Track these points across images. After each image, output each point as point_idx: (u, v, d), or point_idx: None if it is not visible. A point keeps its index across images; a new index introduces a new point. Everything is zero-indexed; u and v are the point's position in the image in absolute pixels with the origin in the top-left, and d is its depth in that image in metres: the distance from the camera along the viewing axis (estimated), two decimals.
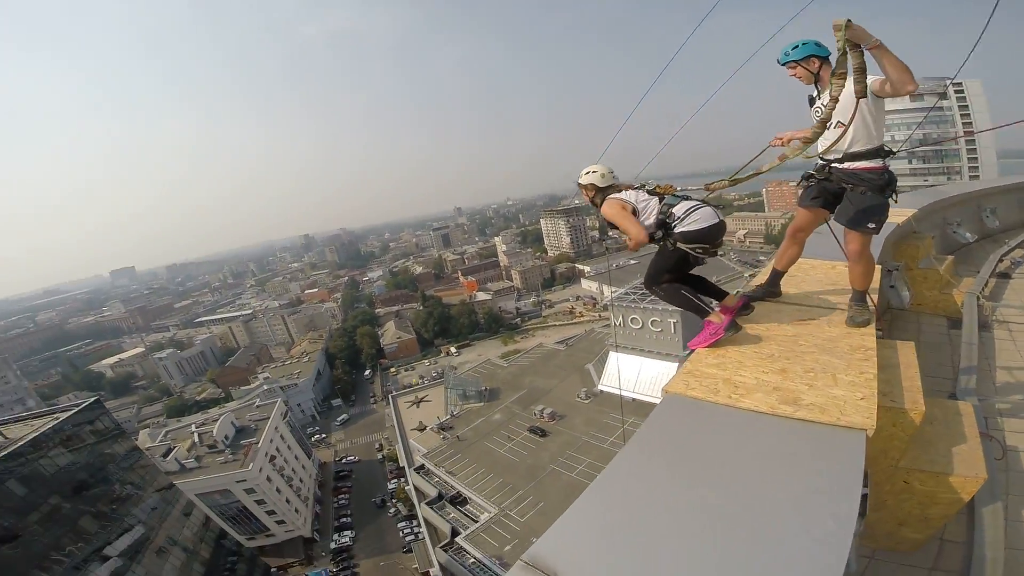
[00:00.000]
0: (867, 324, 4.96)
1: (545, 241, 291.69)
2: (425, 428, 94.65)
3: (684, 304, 4.97)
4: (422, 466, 79.81)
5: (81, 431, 54.07)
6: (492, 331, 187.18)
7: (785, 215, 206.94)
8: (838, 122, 4.58)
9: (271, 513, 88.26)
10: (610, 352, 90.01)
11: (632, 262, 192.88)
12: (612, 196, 4.93)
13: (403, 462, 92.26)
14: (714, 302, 5.18)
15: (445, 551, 62.34)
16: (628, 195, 4.90)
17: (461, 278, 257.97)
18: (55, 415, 53.73)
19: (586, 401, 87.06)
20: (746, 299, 5.19)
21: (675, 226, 4.61)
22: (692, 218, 4.58)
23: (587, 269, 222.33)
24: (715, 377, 4.32)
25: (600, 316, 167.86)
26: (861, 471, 3.17)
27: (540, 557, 2.73)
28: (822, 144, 4.93)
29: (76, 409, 54.15)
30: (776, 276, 5.95)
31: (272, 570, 76.23)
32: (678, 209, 4.63)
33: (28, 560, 43.00)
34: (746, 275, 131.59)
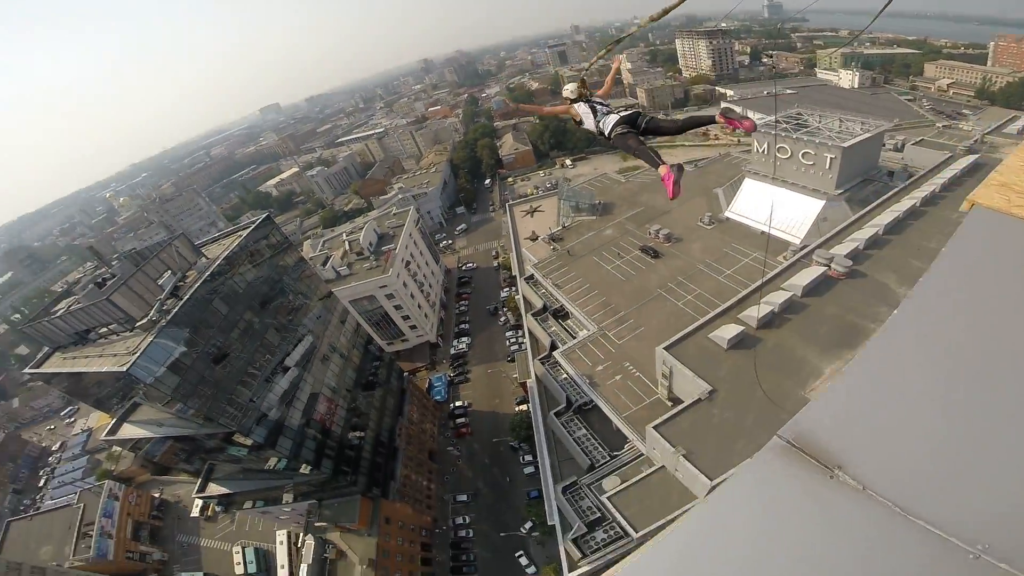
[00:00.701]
0: None
1: (680, 62, 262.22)
2: (537, 238, 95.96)
3: (645, 156, 8.64)
4: (531, 276, 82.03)
5: (260, 246, 60.79)
6: (610, 146, 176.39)
7: (1014, 73, 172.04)
8: None
9: (406, 318, 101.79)
10: (746, 179, 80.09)
11: (788, 91, 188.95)
12: (574, 105, 9.68)
13: (515, 271, 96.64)
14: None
15: (542, 363, 66.51)
16: (580, 109, 9.57)
17: None
18: (238, 232, 60.45)
19: (708, 227, 79.92)
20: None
21: (602, 127, 9.11)
22: (606, 121, 9.08)
23: (730, 93, 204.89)
24: None
25: (739, 141, 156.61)
26: None
27: (809, 436, 2.26)
28: None
29: (254, 226, 60.39)
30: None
31: (405, 374, 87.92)
32: (601, 120, 9.20)
33: (233, 377, 51.10)
34: (938, 125, 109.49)
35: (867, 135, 68.31)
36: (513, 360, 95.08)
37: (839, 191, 67.91)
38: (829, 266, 53.24)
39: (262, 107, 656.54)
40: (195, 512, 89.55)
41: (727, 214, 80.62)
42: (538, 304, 76.44)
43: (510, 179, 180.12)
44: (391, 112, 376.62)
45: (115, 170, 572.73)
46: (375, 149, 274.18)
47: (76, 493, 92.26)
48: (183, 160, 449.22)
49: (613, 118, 9.09)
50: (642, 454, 49.23)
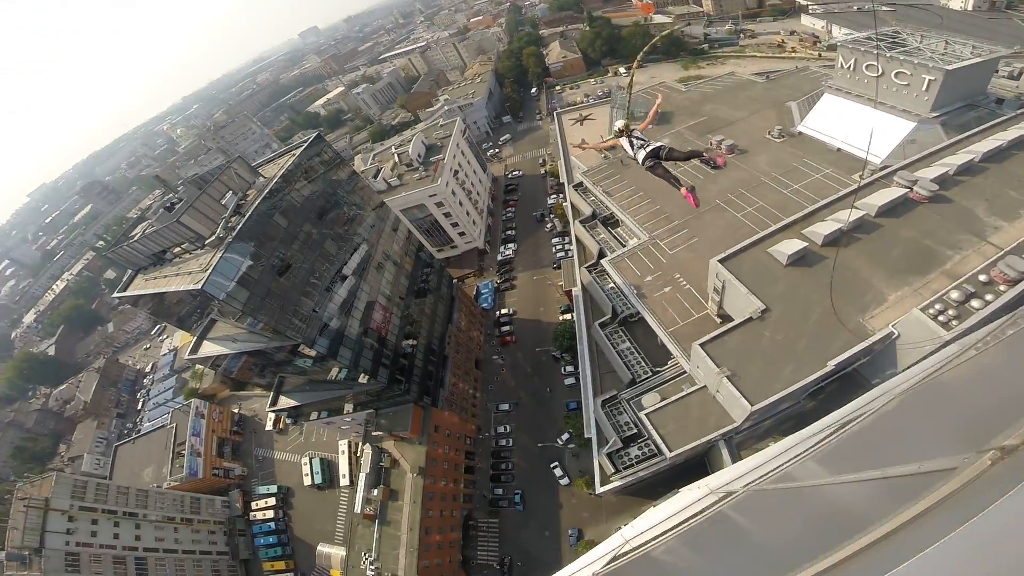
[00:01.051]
0: None
1: None
2: (587, 146, 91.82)
3: (668, 179, 15.07)
4: (580, 183, 79.64)
5: (313, 163, 62.55)
6: (670, 55, 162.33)
7: None
8: None
9: (455, 225, 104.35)
10: (826, 94, 72.61)
11: (885, 8, 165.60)
12: (620, 139, 16.46)
13: (563, 179, 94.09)
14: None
15: (589, 272, 65.65)
16: (624, 142, 16.23)
17: (635, 0, 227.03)
18: (292, 152, 62.37)
19: (778, 140, 73.79)
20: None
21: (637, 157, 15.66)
22: (639, 155, 15.55)
23: (812, 5, 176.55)
24: None
25: (820, 56, 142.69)
26: None
27: None
28: None
29: (306, 145, 62.07)
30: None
31: (454, 281, 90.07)
32: (636, 153, 15.72)
33: (297, 288, 53.88)
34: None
35: (977, 60, 59.31)
36: (559, 267, 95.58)
37: (935, 114, 60.65)
38: (911, 188, 48.87)
39: (301, 31, 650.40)
40: (268, 425, 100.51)
41: (800, 128, 74.50)
42: (586, 211, 74.92)
43: (558, 87, 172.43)
44: (432, 25, 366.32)
45: (169, 103, 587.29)
46: (418, 63, 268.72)
47: (169, 413, 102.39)
48: (230, 89, 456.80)
49: (642, 153, 15.18)
50: (684, 372, 49.48)
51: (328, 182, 63.98)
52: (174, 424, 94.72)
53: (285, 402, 67.60)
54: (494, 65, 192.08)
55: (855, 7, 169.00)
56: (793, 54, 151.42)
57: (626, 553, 14.42)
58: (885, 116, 64.65)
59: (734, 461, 42.39)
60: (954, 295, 39.00)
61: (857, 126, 66.50)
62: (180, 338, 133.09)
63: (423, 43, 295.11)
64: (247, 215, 50.25)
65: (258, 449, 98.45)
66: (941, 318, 37.96)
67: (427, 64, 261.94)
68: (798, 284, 44.44)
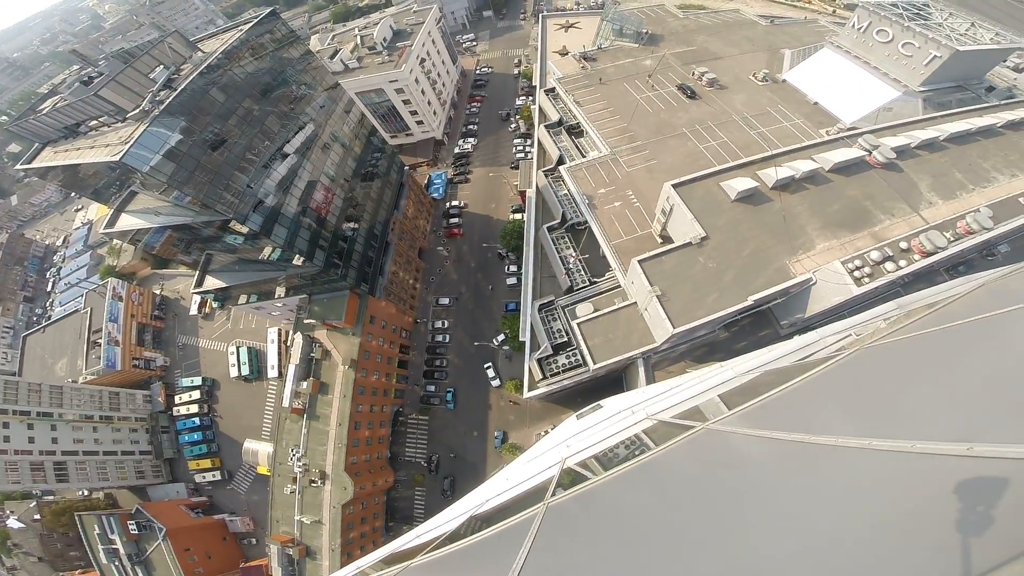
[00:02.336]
0: None
1: None
2: (567, 54, 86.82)
3: None
4: (552, 89, 76.17)
5: (263, 40, 57.27)
6: None
7: None
8: None
9: (414, 113, 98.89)
10: (825, 48, 71.88)
11: None
12: None
13: (536, 82, 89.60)
14: None
15: (546, 176, 64.44)
16: None
17: None
18: (239, 27, 56.93)
19: (760, 83, 72.74)
20: None
21: None
22: None
23: None
24: None
25: (835, 12, 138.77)
26: None
27: None
28: None
29: (256, 21, 56.66)
30: None
31: (405, 168, 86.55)
32: None
33: (231, 163, 50.16)
34: None
35: (992, 47, 59.08)
36: (516, 167, 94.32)
37: (922, 88, 61.38)
38: (870, 152, 50.55)
39: None
40: (193, 309, 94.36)
41: (786, 76, 73.72)
42: (554, 117, 72.78)
43: None
44: None
45: None
46: None
47: (83, 295, 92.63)
48: None
49: None
50: (619, 286, 51.14)
51: (277, 60, 59.26)
52: (89, 308, 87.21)
53: (212, 283, 64.50)
54: None
55: None
56: (808, 4, 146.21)
57: (571, 479, 14.68)
58: (874, 80, 65.39)
59: (649, 381, 45.41)
60: (873, 255, 41.88)
61: (842, 85, 67.27)
62: (96, 211, 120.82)
63: None
64: (179, 89, 46.95)
65: (181, 336, 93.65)
66: (857, 273, 40.86)
67: None
68: (740, 219, 45.92)
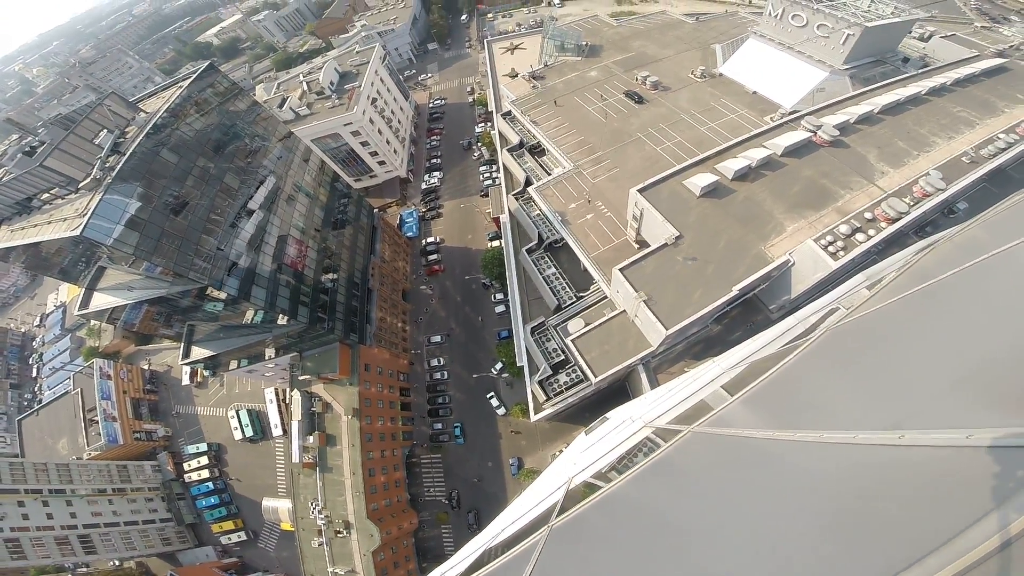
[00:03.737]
0: None
1: None
2: (517, 75, 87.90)
3: None
4: (509, 112, 76.82)
5: (205, 95, 55.51)
6: None
7: None
8: None
9: (374, 154, 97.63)
10: (750, 38, 74.69)
11: None
12: None
13: (492, 107, 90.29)
14: None
15: (516, 199, 64.70)
16: None
17: None
18: (178, 84, 55.02)
19: (700, 80, 74.92)
20: None
21: None
22: None
23: None
24: None
25: (751, 2, 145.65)
26: None
27: None
28: None
29: (195, 76, 54.97)
30: None
31: (375, 210, 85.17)
32: None
33: (196, 227, 48.47)
34: (977, 24, 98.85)
35: (895, 20, 62.96)
36: (487, 195, 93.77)
37: (846, 66, 64.71)
38: (815, 132, 52.37)
39: None
40: (185, 380, 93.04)
41: (722, 70, 76.27)
42: (515, 140, 73.15)
43: (490, 15, 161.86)
44: None
45: (18, 44, 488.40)
46: None
47: (70, 377, 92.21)
48: (100, 23, 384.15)
49: None
50: (606, 296, 51.10)
51: (225, 114, 57.45)
52: (78, 389, 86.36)
53: (199, 352, 62.13)
54: None
55: None
56: None
57: (575, 498, 14.47)
58: (801, 64, 68.00)
59: (652, 386, 45.29)
60: (843, 229, 42.84)
61: (774, 72, 69.65)
62: (67, 292, 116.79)
63: None
64: (127, 153, 44.69)
65: (178, 406, 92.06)
66: (831, 248, 41.66)
67: None
68: (709, 214, 46.59)
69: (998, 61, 66.19)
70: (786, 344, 19.30)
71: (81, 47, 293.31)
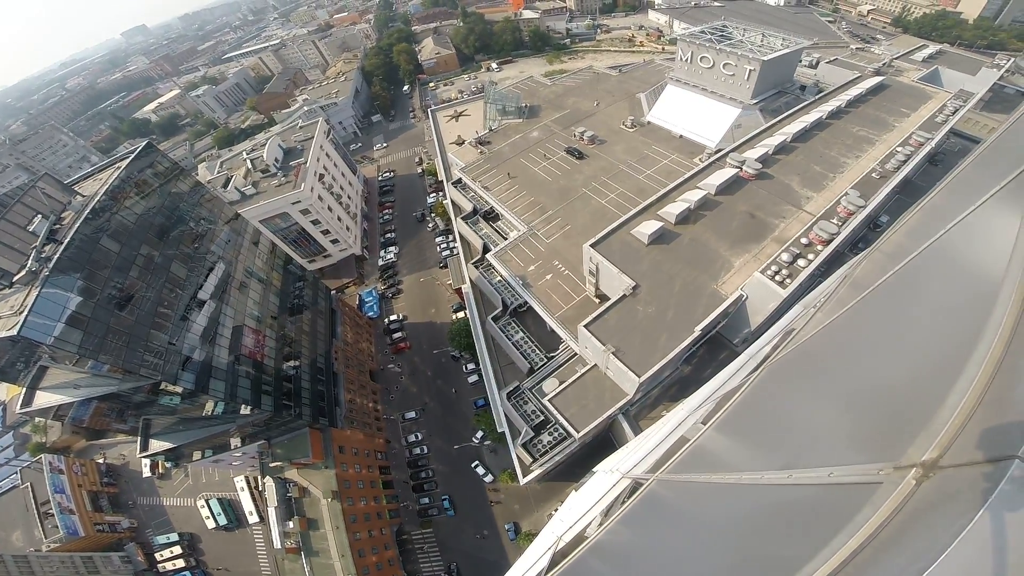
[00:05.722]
0: None
1: None
2: (464, 142, 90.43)
3: None
4: (459, 180, 77.96)
5: (145, 175, 52.85)
6: (537, 49, 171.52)
7: (933, 5, 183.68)
8: None
9: (326, 233, 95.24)
10: (668, 85, 79.73)
11: (715, 3, 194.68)
12: None
13: (442, 176, 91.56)
14: None
15: (476, 267, 64.80)
16: None
17: None
18: (116, 164, 52.49)
19: (631, 130, 79.07)
20: None
21: None
22: None
23: (658, 0, 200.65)
24: None
25: (664, 49, 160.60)
26: None
27: None
28: None
29: (133, 155, 52.36)
30: None
31: (332, 292, 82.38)
32: None
33: (144, 321, 45.23)
34: (852, 46, 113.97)
35: (786, 51, 69.54)
36: (446, 266, 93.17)
37: (754, 100, 69.99)
38: (741, 168, 55.52)
39: (124, 31, 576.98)
40: (146, 472, 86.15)
41: (648, 118, 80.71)
42: (468, 207, 73.61)
43: (432, 84, 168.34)
44: (287, 23, 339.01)
45: None
46: (271, 62, 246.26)
47: (18, 472, 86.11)
48: (31, 97, 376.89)
49: None
50: (576, 354, 50.76)
51: (167, 196, 54.55)
52: (27, 483, 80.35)
53: (158, 445, 56.85)
54: (361, 63, 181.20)
55: (692, 2, 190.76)
56: (641, 48, 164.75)
57: (563, 552, 14.09)
58: (716, 104, 72.83)
59: (635, 433, 44.66)
60: (784, 257, 44.73)
61: (695, 114, 74.19)
62: (6, 389, 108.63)
63: (277, 40, 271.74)
64: (66, 242, 41.08)
65: (141, 498, 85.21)
66: (777, 278, 43.14)
67: (282, 63, 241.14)
68: (660, 260, 47.73)
69: (877, 79, 73.59)
70: (744, 376, 19.65)
71: (11, 122, 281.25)
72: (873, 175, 53.20)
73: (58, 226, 44.29)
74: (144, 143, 56.02)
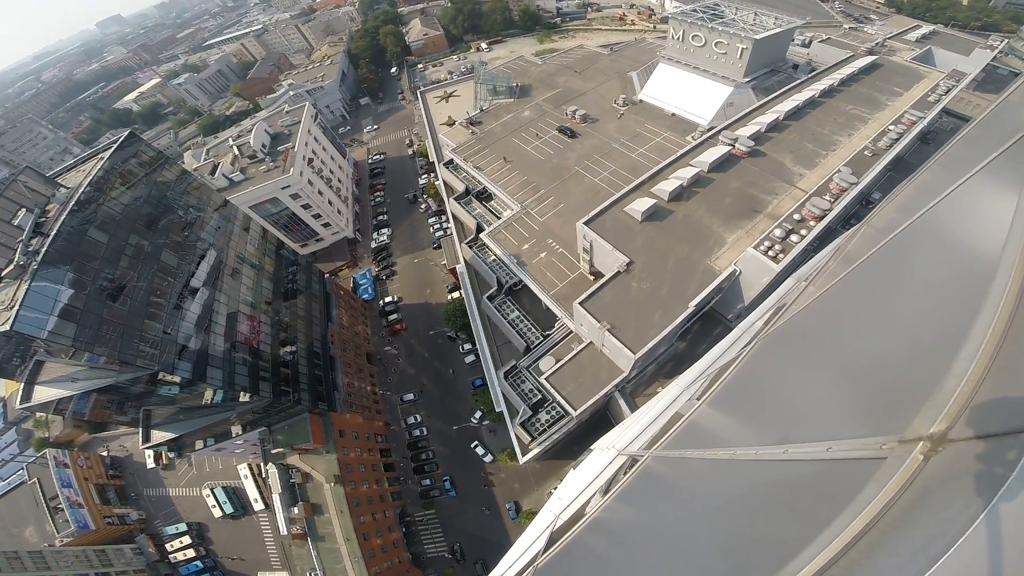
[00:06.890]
0: None
1: None
2: (454, 123, 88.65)
3: None
4: (451, 161, 76.76)
5: (130, 165, 51.55)
6: (527, 29, 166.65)
7: None
8: None
9: (317, 217, 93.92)
10: (660, 63, 78.20)
11: None
12: None
13: (433, 157, 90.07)
14: None
15: (470, 247, 64.26)
16: None
17: None
18: (99, 155, 51.07)
19: (623, 108, 77.83)
20: None
21: None
22: None
23: None
24: None
25: (655, 28, 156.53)
26: None
27: None
28: None
29: (116, 145, 50.82)
30: None
31: (326, 275, 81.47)
32: None
33: (138, 311, 44.64)
34: (845, 26, 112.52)
35: (779, 30, 68.13)
36: (440, 247, 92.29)
37: (747, 79, 68.90)
38: (733, 145, 54.96)
39: (99, 21, 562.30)
40: (150, 463, 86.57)
41: (641, 96, 79.47)
42: (460, 188, 72.57)
43: (420, 65, 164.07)
44: (269, 7, 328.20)
45: None
46: (254, 48, 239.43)
47: (24, 468, 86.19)
48: (6, 91, 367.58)
49: None
50: (571, 331, 50.76)
51: (152, 185, 53.46)
52: (35, 479, 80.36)
53: (160, 436, 57.00)
54: (346, 45, 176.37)
55: None
56: (633, 26, 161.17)
57: (561, 530, 14.09)
58: (709, 82, 71.63)
59: (632, 410, 44.91)
60: (777, 232, 44.47)
61: (687, 92, 72.97)
62: (5, 385, 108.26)
63: (259, 26, 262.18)
64: (52, 234, 40.33)
65: (147, 489, 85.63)
66: (770, 253, 42.96)
67: (265, 48, 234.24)
68: (654, 237, 47.44)
69: (870, 59, 72.55)
70: (738, 350, 19.54)
71: None
72: (865, 153, 52.71)
73: (43, 219, 43.59)
74: (126, 133, 54.45)
